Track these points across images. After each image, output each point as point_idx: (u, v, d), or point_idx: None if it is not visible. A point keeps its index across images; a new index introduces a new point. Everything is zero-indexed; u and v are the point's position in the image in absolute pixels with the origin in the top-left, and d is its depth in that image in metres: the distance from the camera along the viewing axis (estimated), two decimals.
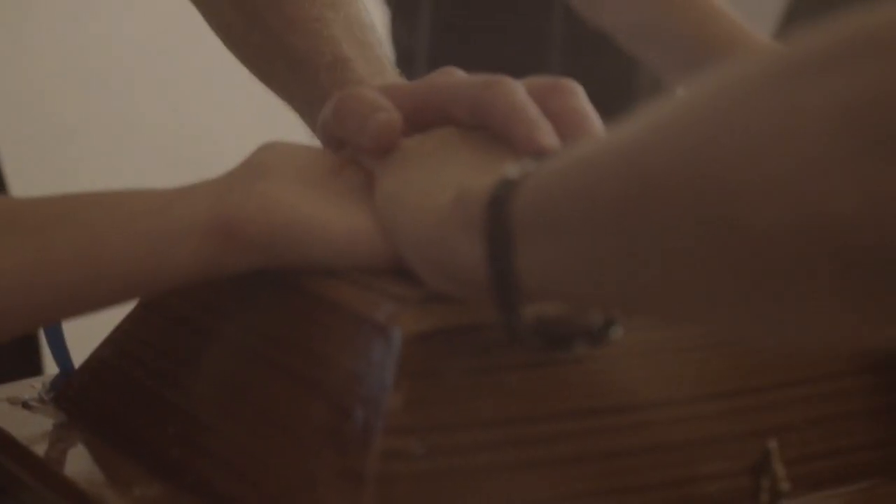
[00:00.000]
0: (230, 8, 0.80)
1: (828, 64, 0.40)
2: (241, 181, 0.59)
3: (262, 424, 0.58)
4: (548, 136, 0.58)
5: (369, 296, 0.56)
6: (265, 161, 0.60)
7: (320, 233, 0.58)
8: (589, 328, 0.54)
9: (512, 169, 0.51)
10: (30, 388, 0.70)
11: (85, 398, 0.67)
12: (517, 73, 0.62)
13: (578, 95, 0.60)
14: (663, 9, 1.02)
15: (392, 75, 0.75)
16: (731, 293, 0.44)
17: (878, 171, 0.39)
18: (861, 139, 0.39)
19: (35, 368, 1.07)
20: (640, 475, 0.57)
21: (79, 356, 0.70)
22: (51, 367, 1.11)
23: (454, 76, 0.63)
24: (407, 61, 1.47)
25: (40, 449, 0.64)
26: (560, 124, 0.59)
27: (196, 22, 0.84)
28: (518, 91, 0.59)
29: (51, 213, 0.59)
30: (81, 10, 2.28)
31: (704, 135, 0.43)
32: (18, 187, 1.04)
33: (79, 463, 0.64)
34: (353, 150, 0.62)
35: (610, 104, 0.63)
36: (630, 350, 0.56)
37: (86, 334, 0.73)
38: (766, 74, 0.43)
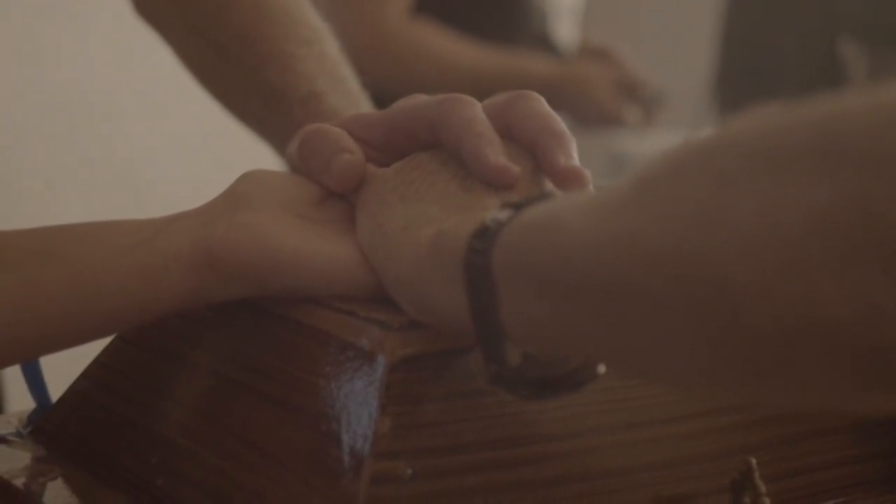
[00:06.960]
0: (203, 45, 0.80)
1: (800, 167, 0.38)
2: (223, 212, 0.59)
3: (247, 453, 0.58)
4: (496, 152, 0.58)
5: (353, 322, 0.57)
6: (247, 191, 0.60)
7: (304, 262, 0.58)
8: (573, 371, 0.53)
9: (489, 214, 0.50)
10: (6, 423, 0.70)
11: (64, 432, 0.67)
12: None
13: (540, 101, 0.61)
14: None
15: (365, 107, 0.75)
16: (727, 376, 0.42)
17: (868, 278, 0.36)
18: (842, 243, 0.36)
19: None
20: (622, 495, 0.57)
21: (53, 390, 0.70)
22: (12, 404, 1.11)
23: (417, 99, 0.63)
24: None
25: (20, 482, 0.64)
26: (527, 128, 0.59)
27: (153, 62, 0.84)
28: (470, 107, 0.60)
29: (34, 248, 0.59)
30: (38, 52, 2.28)
31: (691, 223, 0.40)
32: None
33: (60, 496, 0.64)
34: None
35: None
36: (611, 372, 0.57)
37: (58, 368, 0.73)
38: (743, 166, 0.39)
